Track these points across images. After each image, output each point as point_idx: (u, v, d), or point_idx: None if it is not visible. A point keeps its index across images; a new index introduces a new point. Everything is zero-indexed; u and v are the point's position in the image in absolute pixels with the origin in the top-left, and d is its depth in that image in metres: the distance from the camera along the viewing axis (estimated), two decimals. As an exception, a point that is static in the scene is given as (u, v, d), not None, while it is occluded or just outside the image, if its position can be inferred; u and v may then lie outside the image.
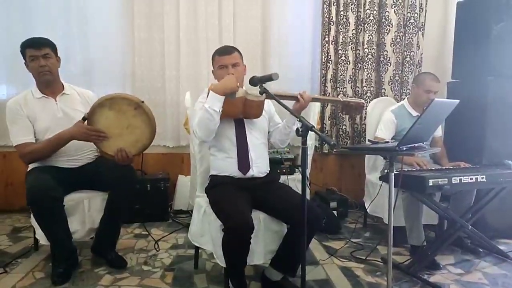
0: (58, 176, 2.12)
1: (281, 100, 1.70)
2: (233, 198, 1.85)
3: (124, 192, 2.23)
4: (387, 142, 2.36)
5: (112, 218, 2.26)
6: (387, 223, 1.95)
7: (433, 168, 2.41)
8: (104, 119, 2.09)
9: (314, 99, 2.11)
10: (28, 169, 2.22)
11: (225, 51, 2.01)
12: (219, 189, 1.97)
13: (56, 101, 2.23)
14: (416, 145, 1.89)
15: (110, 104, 2.08)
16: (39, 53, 2.11)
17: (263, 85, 1.75)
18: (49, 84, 2.21)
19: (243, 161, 1.98)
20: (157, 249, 2.54)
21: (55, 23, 3.24)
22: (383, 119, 2.71)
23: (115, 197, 2.22)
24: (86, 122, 2.09)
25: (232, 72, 1.94)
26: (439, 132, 2.80)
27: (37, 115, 2.16)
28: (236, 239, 1.71)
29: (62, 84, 2.30)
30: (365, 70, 3.47)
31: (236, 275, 1.86)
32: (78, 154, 2.25)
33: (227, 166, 1.99)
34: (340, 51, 3.44)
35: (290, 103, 1.91)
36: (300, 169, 2.76)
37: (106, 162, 2.27)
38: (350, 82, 3.48)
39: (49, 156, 2.15)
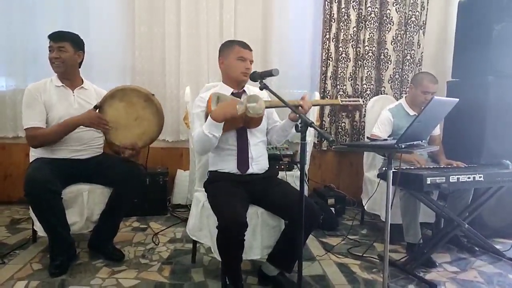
0: (60, 168, 2.13)
1: (280, 102, 1.70)
2: (229, 196, 1.86)
3: (130, 190, 2.26)
4: (386, 139, 2.36)
5: (114, 214, 2.29)
6: (384, 220, 1.96)
7: (431, 167, 2.42)
8: (114, 109, 2.16)
9: (314, 105, 2.10)
10: (31, 160, 2.23)
11: (247, 46, 2.01)
12: (217, 185, 1.97)
13: (73, 93, 2.28)
14: (414, 143, 1.90)
15: (121, 96, 2.15)
16: (55, 45, 2.19)
17: (263, 80, 1.76)
18: (65, 76, 2.27)
19: (243, 161, 1.98)
20: (156, 243, 2.55)
21: (56, 16, 3.23)
22: (380, 117, 2.72)
23: (120, 194, 2.24)
24: (97, 111, 2.16)
25: (249, 67, 1.96)
26: (437, 131, 2.81)
27: (53, 103, 2.21)
28: (229, 238, 1.72)
29: (82, 79, 2.36)
30: (365, 68, 3.47)
31: (232, 270, 1.87)
32: (84, 145, 2.25)
33: (227, 163, 2.00)
34: (340, 49, 3.44)
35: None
36: (298, 165, 2.77)
37: (113, 158, 2.31)
38: (350, 80, 3.48)
39: (56, 141, 2.17)
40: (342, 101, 2.07)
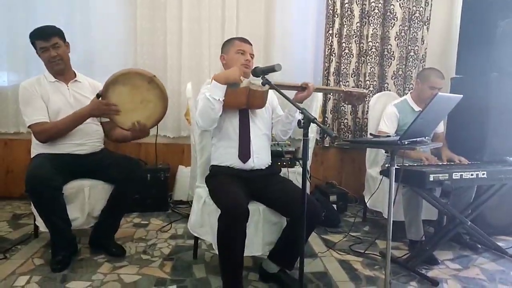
0: (62, 163, 2.13)
1: (285, 91, 1.70)
2: (231, 184, 1.86)
3: (131, 188, 2.26)
4: (389, 136, 2.35)
5: (115, 211, 2.29)
6: (386, 217, 1.95)
7: (434, 164, 2.40)
8: (117, 95, 2.11)
9: (317, 89, 2.11)
10: (32, 156, 2.23)
11: (246, 40, 2.07)
12: (218, 178, 1.98)
13: (68, 86, 2.27)
14: (418, 139, 1.88)
15: (123, 80, 2.10)
16: (48, 44, 2.14)
17: (266, 76, 1.75)
18: (62, 72, 2.25)
19: (244, 150, 1.98)
20: (159, 233, 2.55)
21: (57, 11, 3.21)
22: (386, 113, 2.69)
23: (121, 192, 2.24)
24: (100, 99, 2.12)
25: (249, 59, 2.00)
26: (441, 128, 2.79)
27: (50, 96, 2.19)
28: (231, 225, 1.70)
29: (74, 72, 2.34)
30: (369, 63, 3.45)
31: (232, 273, 1.78)
32: (83, 139, 2.24)
33: (228, 156, 2.00)
34: (343, 44, 3.42)
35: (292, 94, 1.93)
36: (300, 162, 2.76)
37: (114, 155, 2.30)
38: (353, 76, 3.46)
39: (64, 134, 2.16)
40: (345, 88, 2.10)
